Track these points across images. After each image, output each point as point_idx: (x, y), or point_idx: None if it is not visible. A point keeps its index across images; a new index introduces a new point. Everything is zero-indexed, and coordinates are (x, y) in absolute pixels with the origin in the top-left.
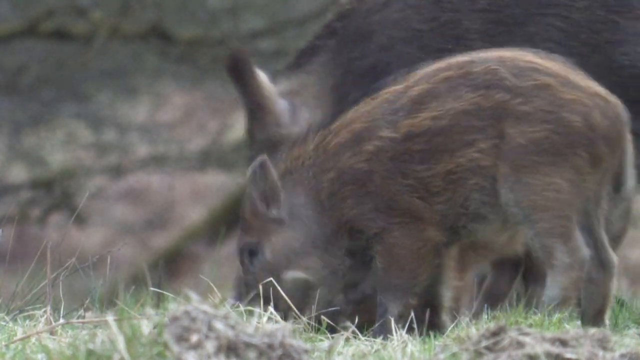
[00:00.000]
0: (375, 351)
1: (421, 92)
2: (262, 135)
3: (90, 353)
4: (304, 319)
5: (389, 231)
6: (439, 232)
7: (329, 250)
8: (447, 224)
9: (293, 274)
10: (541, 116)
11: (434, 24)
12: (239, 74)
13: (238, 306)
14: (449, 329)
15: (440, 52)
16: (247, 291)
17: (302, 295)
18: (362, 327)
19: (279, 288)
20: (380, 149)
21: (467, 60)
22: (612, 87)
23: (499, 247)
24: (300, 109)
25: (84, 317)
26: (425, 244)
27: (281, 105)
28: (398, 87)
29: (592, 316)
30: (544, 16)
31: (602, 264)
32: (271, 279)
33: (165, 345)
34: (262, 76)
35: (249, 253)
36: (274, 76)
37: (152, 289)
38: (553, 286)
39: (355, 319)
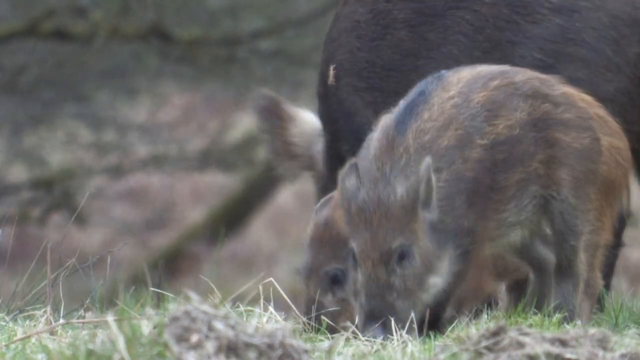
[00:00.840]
0: (375, 351)
1: (486, 99)
2: (307, 170)
3: (90, 353)
4: (304, 318)
5: (480, 241)
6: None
7: (455, 257)
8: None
9: (435, 280)
10: (582, 123)
11: (370, 15)
12: (265, 121)
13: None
14: (449, 329)
15: (373, 41)
16: (389, 294)
17: (436, 302)
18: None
19: (278, 287)
20: (480, 157)
21: (500, 70)
22: None
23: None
24: None
25: (84, 317)
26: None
27: (319, 146)
28: (446, 93)
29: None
30: (458, 9)
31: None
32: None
33: (165, 345)
34: (303, 118)
35: (400, 255)
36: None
37: (152, 289)
38: (562, 296)
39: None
